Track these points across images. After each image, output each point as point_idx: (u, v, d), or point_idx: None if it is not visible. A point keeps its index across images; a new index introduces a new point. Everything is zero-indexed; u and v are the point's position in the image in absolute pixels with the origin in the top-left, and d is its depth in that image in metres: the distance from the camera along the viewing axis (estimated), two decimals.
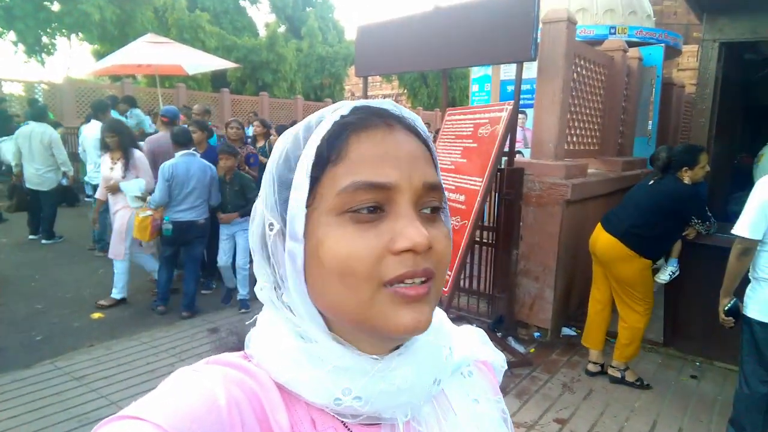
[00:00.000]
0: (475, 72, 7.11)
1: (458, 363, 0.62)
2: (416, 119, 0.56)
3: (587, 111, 5.28)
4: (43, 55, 17.33)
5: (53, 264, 6.21)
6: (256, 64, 21.89)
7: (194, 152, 4.74)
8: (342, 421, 0.51)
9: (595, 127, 5.55)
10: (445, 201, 0.54)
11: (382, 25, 5.18)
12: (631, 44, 6.33)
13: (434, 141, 4.70)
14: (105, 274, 5.55)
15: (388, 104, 0.53)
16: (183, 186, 4.53)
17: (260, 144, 7.04)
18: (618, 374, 3.69)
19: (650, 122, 6.88)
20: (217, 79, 20.43)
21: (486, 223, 4.38)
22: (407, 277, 0.47)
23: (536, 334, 4.37)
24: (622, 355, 3.64)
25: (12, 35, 16.44)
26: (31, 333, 4.29)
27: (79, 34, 17.59)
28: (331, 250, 0.47)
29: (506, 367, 0.73)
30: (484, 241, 4.39)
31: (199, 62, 9.80)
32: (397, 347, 0.54)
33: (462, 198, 3.76)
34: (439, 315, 0.60)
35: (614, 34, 7.90)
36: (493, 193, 4.21)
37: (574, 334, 4.41)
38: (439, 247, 0.50)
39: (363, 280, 0.47)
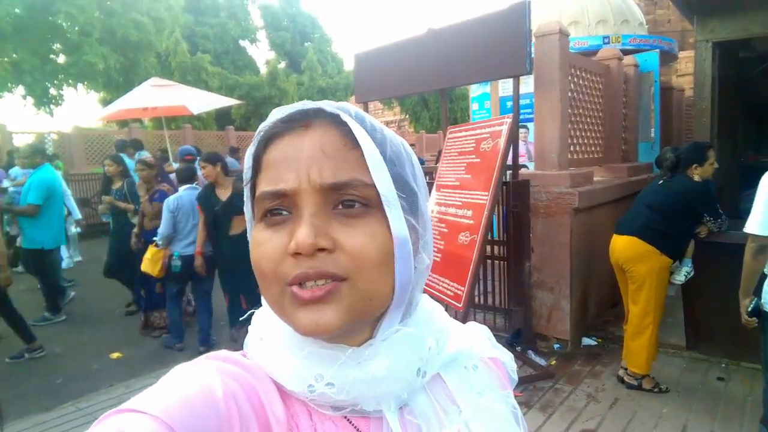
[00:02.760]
0: (474, 91, 7.19)
1: (453, 355, 0.61)
2: (340, 109, 0.53)
3: (588, 120, 5.31)
4: (52, 105, 17.74)
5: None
6: (259, 100, 22.26)
7: (196, 187, 4.85)
8: (344, 417, 0.52)
9: (598, 135, 5.57)
10: (387, 196, 0.50)
11: (378, 51, 5.29)
12: (626, 52, 6.39)
13: (438, 161, 4.74)
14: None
15: (306, 104, 0.53)
16: (188, 218, 4.61)
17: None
18: (634, 382, 3.64)
19: (653, 127, 6.90)
20: (222, 118, 20.77)
21: (496, 237, 4.38)
22: (300, 278, 0.48)
23: (556, 345, 4.32)
24: (634, 364, 3.59)
25: (21, 89, 16.90)
26: (51, 376, 4.31)
27: (85, 83, 18.00)
28: (251, 252, 0.51)
29: (515, 366, 0.71)
30: (496, 255, 4.38)
31: (203, 101, 9.97)
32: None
33: (469, 213, 3.77)
34: (429, 307, 0.61)
35: (608, 43, 7.98)
36: (500, 206, 4.22)
37: (595, 343, 4.36)
38: (352, 247, 0.48)
39: (271, 280, 0.49)
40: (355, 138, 0.50)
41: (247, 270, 0.56)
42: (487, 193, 3.68)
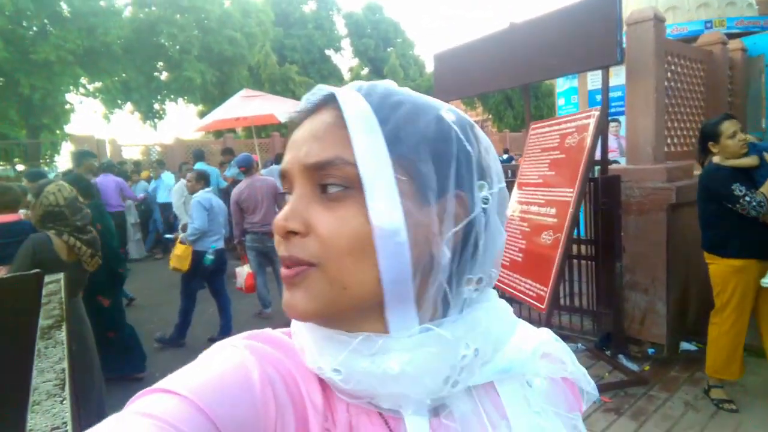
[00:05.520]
0: (561, 86, 6.93)
1: (507, 366, 0.55)
2: (346, 88, 0.51)
3: (687, 110, 4.93)
4: (156, 119, 19.27)
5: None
6: None
7: (210, 190, 5.34)
8: (379, 413, 0.50)
9: (698, 125, 5.16)
10: (366, 174, 0.45)
11: (457, 49, 5.23)
12: (732, 36, 5.88)
13: (520, 159, 4.62)
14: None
15: (312, 95, 0.52)
16: (218, 216, 5.07)
17: None
18: (704, 386, 3.40)
19: (764, 117, 6.28)
20: None
21: (583, 237, 4.18)
22: (281, 259, 0.49)
23: (650, 350, 4.04)
24: (710, 368, 3.31)
25: (129, 105, 18.51)
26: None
27: (185, 97, 19.33)
28: None
29: (597, 395, 0.64)
30: (583, 255, 4.18)
31: (289, 109, 10.30)
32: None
33: (553, 211, 3.62)
34: (486, 309, 0.54)
35: (710, 28, 7.38)
36: (588, 204, 4.02)
37: (695, 348, 4.02)
38: (322, 232, 0.46)
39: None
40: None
41: None
42: (572, 190, 3.52)
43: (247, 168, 5.62)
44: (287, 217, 0.47)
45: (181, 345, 5.06)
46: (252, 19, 20.65)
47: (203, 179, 5.24)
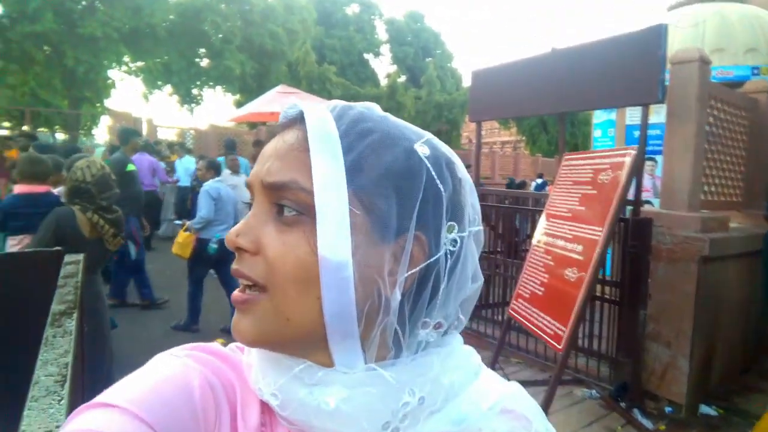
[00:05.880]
0: (598, 117, 6.77)
1: (458, 419, 0.48)
2: (317, 108, 0.49)
3: (727, 158, 4.75)
4: (192, 104, 19.57)
5: None
6: None
7: (221, 180, 5.35)
8: None
9: (738, 176, 4.96)
10: (320, 204, 0.43)
11: (496, 69, 5.13)
12: None
13: (549, 187, 4.49)
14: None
15: (289, 109, 0.50)
16: (226, 206, 5.06)
17: None
18: None
19: None
20: None
21: (609, 278, 4.03)
22: (232, 274, 0.48)
23: (668, 408, 3.85)
24: None
25: (168, 88, 18.84)
26: None
27: (223, 86, 19.61)
28: None
29: None
30: (606, 297, 4.02)
31: None
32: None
33: (579, 248, 3.49)
34: (445, 353, 0.50)
35: (757, 74, 7.16)
36: (616, 245, 3.88)
37: (715, 413, 3.83)
38: (269, 254, 0.45)
39: None
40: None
41: None
42: (601, 229, 3.39)
43: None
44: (239, 233, 0.47)
45: (195, 331, 5.07)
46: (295, 15, 20.86)
47: (213, 168, 5.32)
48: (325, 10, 26.73)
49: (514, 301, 3.90)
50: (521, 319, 3.73)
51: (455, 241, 0.48)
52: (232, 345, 0.56)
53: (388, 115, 0.51)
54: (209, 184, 5.07)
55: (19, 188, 3.40)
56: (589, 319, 4.09)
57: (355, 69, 27.09)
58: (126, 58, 17.60)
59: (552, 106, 4.52)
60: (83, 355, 2.38)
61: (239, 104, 19.59)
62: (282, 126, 0.50)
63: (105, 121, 17.78)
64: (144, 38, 16.58)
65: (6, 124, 18.68)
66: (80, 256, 2.27)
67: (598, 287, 3.94)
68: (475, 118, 5.44)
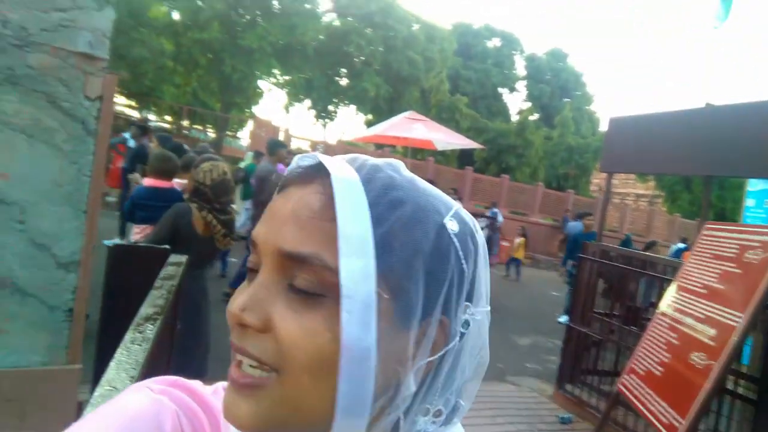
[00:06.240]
0: (754, 184, 6.03)
1: None
2: (343, 166, 0.43)
3: None
4: (326, 120, 20.72)
5: None
6: (503, 147, 22.50)
7: None
8: None
9: None
10: (348, 288, 0.38)
11: (637, 118, 4.78)
12: None
13: (684, 255, 4.02)
14: None
15: (305, 158, 0.46)
16: None
17: None
18: None
19: None
20: (464, 157, 21.54)
21: (744, 370, 3.50)
22: (232, 346, 0.42)
23: None
24: None
25: (308, 102, 20.14)
26: None
27: (357, 105, 20.54)
28: None
29: None
30: (740, 392, 3.49)
31: (449, 140, 10.42)
32: None
33: (712, 332, 3.07)
34: None
35: None
36: (759, 335, 3.37)
37: None
38: (283, 336, 0.39)
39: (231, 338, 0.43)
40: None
41: None
42: (741, 315, 2.96)
43: None
44: (245, 307, 0.40)
45: None
46: (435, 45, 21.29)
47: None
48: (467, 43, 26.95)
49: (626, 376, 3.53)
50: (632, 397, 3.35)
51: (467, 322, 0.45)
52: (218, 385, 0.52)
53: (414, 177, 0.46)
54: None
55: (147, 181, 3.74)
56: (715, 410, 3.58)
57: (487, 102, 26.92)
58: (275, 71, 19.11)
59: (698, 168, 4.09)
60: (175, 349, 2.48)
61: (370, 123, 20.32)
62: (298, 177, 0.45)
63: (249, 126, 19.48)
64: (294, 54, 17.88)
65: (168, 118, 21.15)
66: (183, 258, 2.38)
67: (730, 379, 3.43)
68: (606, 169, 5.09)
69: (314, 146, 16.21)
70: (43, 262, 1.40)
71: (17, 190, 1.37)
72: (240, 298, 0.41)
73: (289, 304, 0.40)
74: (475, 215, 11.12)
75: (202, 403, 0.49)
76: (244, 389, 0.41)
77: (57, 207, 1.41)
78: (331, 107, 20.86)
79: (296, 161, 0.46)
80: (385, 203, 0.41)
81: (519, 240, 11.92)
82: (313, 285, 0.40)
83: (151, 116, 20.26)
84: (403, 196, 0.42)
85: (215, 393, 0.51)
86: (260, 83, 19.88)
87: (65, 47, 1.38)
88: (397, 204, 0.42)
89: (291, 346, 0.39)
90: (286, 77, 19.84)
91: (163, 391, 0.47)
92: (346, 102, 20.48)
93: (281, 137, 14.80)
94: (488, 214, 11.73)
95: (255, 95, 20.13)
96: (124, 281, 1.89)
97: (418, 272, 0.41)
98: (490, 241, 11.29)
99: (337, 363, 0.39)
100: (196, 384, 0.51)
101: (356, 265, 0.39)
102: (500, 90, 28.61)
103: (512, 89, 29.47)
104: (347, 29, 19.05)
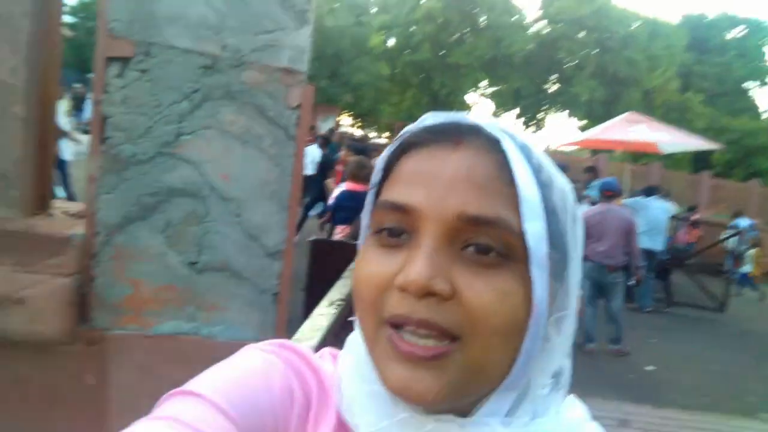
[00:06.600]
0: None
1: None
2: (503, 133, 0.43)
3: None
4: (535, 127, 20.30)
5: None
6: (752, 148, 19.24)
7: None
8: None
9: None
10: (537, 253, 0.40)
11: None
12: None
13: None
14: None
15: (461, 117, 0.45)
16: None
17: None
18: None
19: None
20: (700, 161, 18.97)
21: None
22: (399, 321, 0.40)
23: None
24: None
25: (516, 111, 20.02)
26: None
27: (568, 110, 19.69)
28: (354, 270, 0.45)
29: None
30: None
31: (676, 141, 9.26)
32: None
33: None
34: (568, 417, 0.47)
35: None
36: None
37: None
38: (474, 301, 0.38)
39: (368, 310, 0.42)
40: (512, 173, 0.41)
41: None
42: None
43: (612, 194, 5.29)
44: (432, 275, 0.38)
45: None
46: (659, 42, 19.24)
47: None
48: (700, 36, 23.71)
49: None
50: None
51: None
52: (325, 351, 0.54)
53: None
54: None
55: (346, 185, 4.15)
56: None
57: (728, 99, 23.22)
58: (482, 84, 19.41)
59: None
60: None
61: (584, 129, 19.22)
62: (435, 139, 0.44)
63: None
64: (500, 66, 17.95)
65: (386, 134, 23.09)
66: None
67: None
68: None
69: None
70: (255, 251, 1.62)
71: (234, 188, 1.61)
72: (418, 266, 0.39)
73: (469, 268, 0.40)
74: (715, 225, 9.70)
75: (309, 365, 0.50)
76: (428, 361, 0.39)
77: (265, 203, 1.62)
78: (540, 115, 20.39)
79: (431, 121, 0.46)
80: (542, 171, 0.43)
81: (751, 251, 10.00)
82: (498, 248, 0.40)
83: (372, 133, 22.31)
84: (544, 162, 0.44)
85: (321, 357, 0.52)
86: (467, 97, 20.43)
87: (271, 64, 1.58)
88: (547, 170, 0.43)
89: (484, 310, 0.39)
90: (493, 88, 20.04)
91: (273, 351, 0.49)
92: (557, 108, 19.79)
93: None
94: (734, 224, 10.12)
95: (463, 109, 20.76)
96: (323, 271, 2.09)
97: (568, 233, 0.44)
98: (736, 254, 9.70)
99: (523, 322, 0.40)
100: (303, 347, 0.52)
101: (537, 228, 0.40)
102: (745, 85, 24.47)
103: (763, 82, 24.96)
104: (557, 35, 18.40)
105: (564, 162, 9.47)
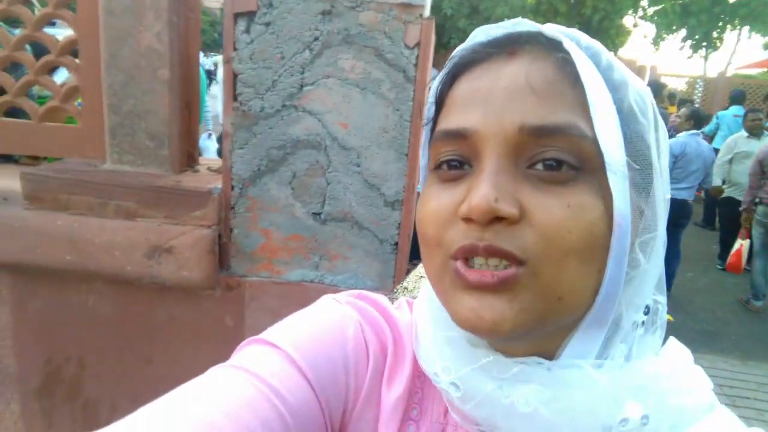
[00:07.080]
0: None
1: None
2: (565, 35, 0.38)
3: None
4: (709, 50, 17.48)
5: None
6: None
7: (700, 133, 4.67)
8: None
9: None
10: (613, 159, 0.35)
11: None
12: None
13: None
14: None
15: (515, 24, 0.40)
16: (690, 164, 4.45)
17: None
18: None
19: None
20: None
21: None
22: (466, 251, 0.36)
23: None
24: None
25: (683, 32, 17.32)
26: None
27: (752, 25, 16.67)
28: (417, 211, 0.43)
29: None
30: None
31: None
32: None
33: None
34: (655, 368, 0.38)
35: None
36: None
37: None
38: (544, 221, 0.35)
39: (433, 246, 0.39)
40: (577, 74, 0.36)
41: None
42: None
43: None
44: (498, 197, 0.35)
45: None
46: None
47: (694, 119, 4.79)
48: None
49: None
50: None
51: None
52: (402, 300, 0.52)
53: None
54: (680, 136, 4.61)
55: None
56: None
57: None
58: (644, 2, 17.05)
59: None
60: None
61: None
62: (488, 54, 0.39)
63: None
64: None
65: None
66: None
67: None
68: None
69: (693, 83, 13.91)
70: (374, 200, 1.60)
71: (354, 137, 1.58)
72: (481, 191, 0.35)
73: (539, 187, 0.36)
74: None
75: (385, 314, 0.49)
76: (496, 288, 0.36)
77: (384, 151, 1.57)
78: (715, 33, 17.44)
79: (483, 36, 0.41)
80: (613, 70, 0.38)
81: None
82: (569, 160, 0.36)
83: None
84: (616, 63, 0.39)
85: (399, 307, 0.52)
86: (624, 20, 18.11)
87: (387, 0, 1.49)
88: (619, 70, 0.39)
89: (558, 228, 0.35)
90: (656, 7, 17.47)
91: (349, 302, 0.49)
92: (735, 23, 16.74)
93: (646, 77, 13.17)
94: None
95: (620, 35, 18.49)
96: None
97: (651, 142, 0.39)
98: None
99: (604, 241, 0.36)
100: (380, 297, 0.51)
101: (611, 133, 0.36)
102: None
103: None
104: None
105: (740, 89, 8.19)
